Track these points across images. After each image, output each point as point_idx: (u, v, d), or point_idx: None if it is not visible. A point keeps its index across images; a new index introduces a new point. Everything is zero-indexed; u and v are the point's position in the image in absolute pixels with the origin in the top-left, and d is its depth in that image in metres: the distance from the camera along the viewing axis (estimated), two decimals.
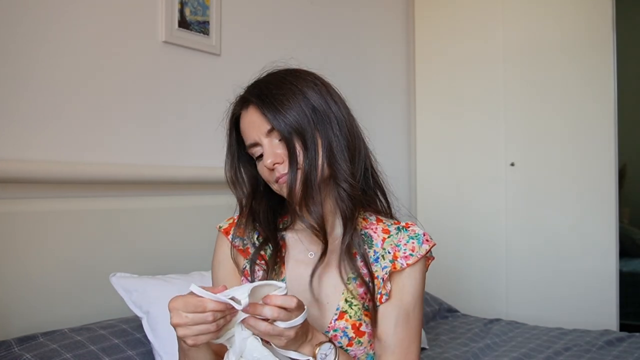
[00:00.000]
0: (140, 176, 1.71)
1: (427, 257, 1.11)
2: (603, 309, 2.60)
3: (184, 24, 1.88)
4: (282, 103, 0.99)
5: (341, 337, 1.02)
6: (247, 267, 1.08)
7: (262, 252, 1.09)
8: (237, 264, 1.11)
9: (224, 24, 2.04)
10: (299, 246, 1.10)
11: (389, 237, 1.08)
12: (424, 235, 1.09)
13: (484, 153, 2.90)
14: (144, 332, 1.43)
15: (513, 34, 2.83)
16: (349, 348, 1.02)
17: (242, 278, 1.09)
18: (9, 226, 1.40)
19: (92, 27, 1.64)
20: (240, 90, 1.08)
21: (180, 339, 0.89)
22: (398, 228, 1.09)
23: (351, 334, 1.02)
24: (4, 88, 1.44)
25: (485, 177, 2.90)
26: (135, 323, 1.46)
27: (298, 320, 0.87)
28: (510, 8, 2.85)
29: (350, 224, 1.05)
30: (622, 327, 2.64)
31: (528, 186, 2.80)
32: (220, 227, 1.14)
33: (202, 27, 1.95)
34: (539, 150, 2.78)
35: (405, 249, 1.07)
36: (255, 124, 1.01)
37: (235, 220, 1.12)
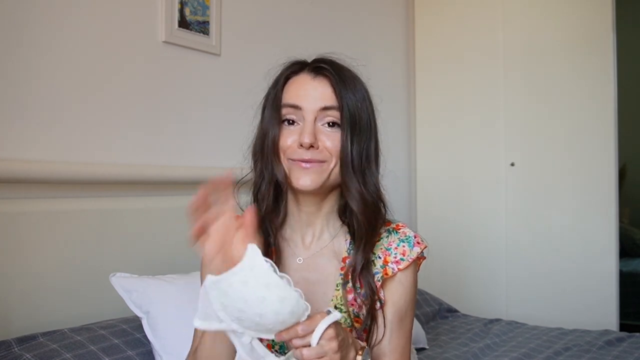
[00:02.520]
0: (140, 176, 1.71)
1: (419, 257, 1.08)
2: (603, 309, 2.60)
3: (184, 24, 1.88)
4: (354, 92, 1.00)
5: None
6: None
7: None
8: None
9: (224, 24, 2.04)
10: (287, 251, 1.06)
11: (379, 240, 1.05)
12: (415, 237, 1.06)
13: (484, 153, 2.90)
14: (144, 332, 1.43)
15: (513, 34, 2.83)
16: None
17: None
18: (9, 226, 1.40)
19: (92, 27, 1.64)
20: (296, 58, 1.06)
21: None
22: (388, 230, 1.06)
23: None
24: (4, 88, 1.44)
25: (485, 177, 2.89)
26: (135, 323, 1.46)
27: (322, 325, 0.81)
28: (510, 8, 2.84)
29: (370, 235, 1.01)
30: (622, 327, 2.64)
31: (528, 186, 2.80)
32: None
33: (202, 27, 1.95)
34: (539, 150, 2.78)
35: (396, 253, 1.04)
36: (325, 95, 0.98)
37: None
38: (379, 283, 1.02)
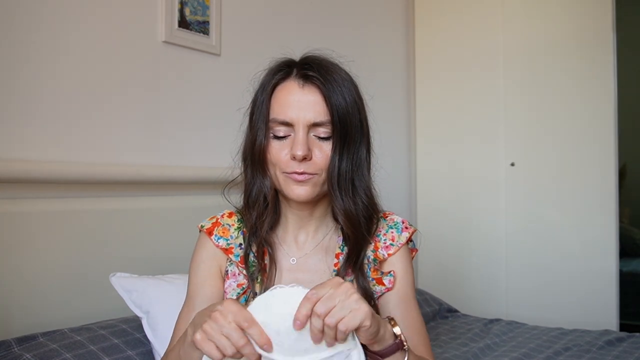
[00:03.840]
0: (140, 176, 1.71)
1: (411, 249, 1.11)
2: (603, 309, 2.60)
3: (184, 23, 1.88)
4: (344, 96, 0.99)
5: None
6: (229, 270, 1.06)
7: (241, 256, 1.05)
8: (220, 268, 1.08)
9: (224, 24, 2.04)
10: (280, 252, 1.07)
11: None
12: (403, 222, 1.10)
13: (484, 153, 2.90)
14: (143, 332, 1.43)
15: (513, 34, 2.83)
16: None
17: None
18: (9, 226, 1.40)
19: (92, 27, 1.64)
20: (287, 57, 1.05)
21: (195, 330, 0.83)
22: (377, 219, 1.08)
23: None
24: (4, 88, 1.44)
25: (485, 177, 2.89)
26: (135, 323, 1.46)
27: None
28: (510, 8, 2.84)
29: (364, 237, 1.03)
30: (622, 327, 2.64)
31: (528, 186, 2.80)
32: (202, 227, 1.11)
33: (202, 27, 1.95)
34: (539, 150, 2.78)
35: (385, 239, 1.07)
36: (316, 106, 0.97)
37: (219, 220, 1.10)
38: (377, 271, 1.05)
